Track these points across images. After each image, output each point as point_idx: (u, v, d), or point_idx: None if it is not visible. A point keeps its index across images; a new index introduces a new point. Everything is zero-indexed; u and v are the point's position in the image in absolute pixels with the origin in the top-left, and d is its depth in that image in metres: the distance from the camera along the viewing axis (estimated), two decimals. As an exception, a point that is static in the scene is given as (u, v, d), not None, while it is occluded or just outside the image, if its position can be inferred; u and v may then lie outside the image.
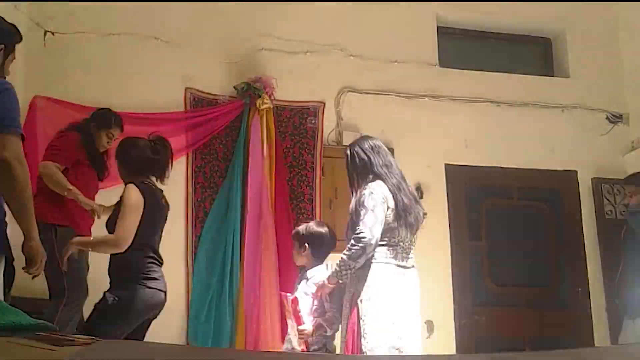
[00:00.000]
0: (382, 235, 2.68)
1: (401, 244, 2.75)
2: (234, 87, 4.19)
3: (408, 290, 2.73)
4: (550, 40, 5.19)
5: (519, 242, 4.57)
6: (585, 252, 4.57)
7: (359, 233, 2.63)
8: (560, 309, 4.52)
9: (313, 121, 4.34)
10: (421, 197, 4.31)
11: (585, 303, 4.49)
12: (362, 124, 4.41)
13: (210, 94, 4.22)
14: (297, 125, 4.31)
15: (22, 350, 0.87)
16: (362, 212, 2.68)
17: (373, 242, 2.63)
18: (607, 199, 4.65)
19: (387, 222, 2.71)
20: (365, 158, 2.89)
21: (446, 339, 4.15)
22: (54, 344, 0.98)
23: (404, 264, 2.75)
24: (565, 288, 4.55)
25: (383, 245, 2.71)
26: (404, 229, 2.75)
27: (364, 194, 2.74)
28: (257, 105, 4.07)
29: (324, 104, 4.38)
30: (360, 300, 2.67)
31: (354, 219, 2.75)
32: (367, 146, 2.93)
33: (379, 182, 2.81)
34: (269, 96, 4.13)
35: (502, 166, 4.55)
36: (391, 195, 2.76)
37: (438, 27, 4.79)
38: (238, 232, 3.92)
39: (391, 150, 4.38)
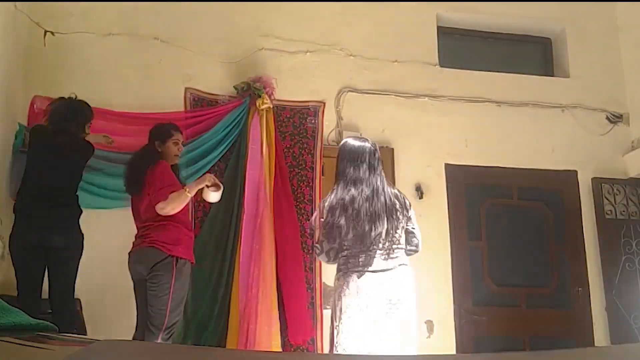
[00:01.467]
0: (343, 246, 2.74)
1: (368, 251, 2.72)
2: (234, 87, 4.19)
3: (390, 292, 2.69)
4: (550, 40, 5.19)
5: (519, 242, 4.57)
6: (585, 252, 4.57)
7: (314, 247, 2.86)
8: (560, 309, 4.52)
9: (313, 121, 4.34)
10: (421, 197, 4.32)
11: (585, 303, 4.49)
12: (362, 124, 4.41)
13: (210, 94, 4.22)
14: (297, 125, 4.31)
15: (22, 350, 0.87)
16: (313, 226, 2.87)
17: (324, 257, 2.81)
18: (607, 199, 4.65)
19: (344, 236, 2.73)
20: (338, 159, 2.95)
21: (446, 339, 4.15)
22: (54, 344, 0.98)
23: (382, 267, 2.72)
24: (565, 288, 4.55)
25: (346, 256, 2.75)
26: (354, 242, 2.73)
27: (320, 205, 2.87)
28: (257, 105, 4.07)
29: (324, 104, 4.38)
30: (334, 310, 2.75)
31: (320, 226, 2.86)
32: (342, 147, 2.98)
33: (333, 191, 2.85)
34: (269, 96, 4.12)
35: (502, 166, 4.55)
36: (339, 211, 2.74)
37: (438, 27, 4.79)
38: (234, 232, 3.91)
39: (391, 150, 4.41)
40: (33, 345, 0.92)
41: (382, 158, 4.31)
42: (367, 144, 2.96)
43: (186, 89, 4.17)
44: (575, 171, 4.72)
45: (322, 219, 2.78)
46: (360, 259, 2.73)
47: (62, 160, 3.36)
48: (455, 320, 4.25)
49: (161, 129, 3.49)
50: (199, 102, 4.19)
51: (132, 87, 4.07)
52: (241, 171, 4.01)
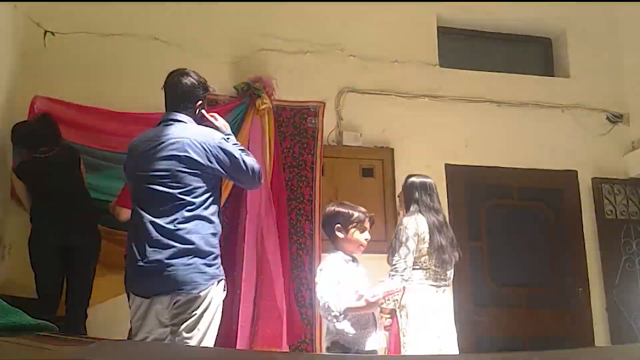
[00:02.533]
0: (416, 261, 3.12)
1: (435, 268, 3.16)
2: (234, 87, 4.19)
3: (442, 304, 3.15)
4: (550, 40, 5.19)
5: (519, 242, 4.57)
6: (585, 252, 4.57)
7: (395, 264, 3.09)
8: (560, 309, 4.52)
9: (313, 121, 4.33)
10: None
11: (585, 303, 4.49)
12: (362, 124, 4.41)
13: (210, 93, 4.21)
14: (297, 125, 4.31)
15: (22, 350, 0.87)
16: (397, 244, 3.13)
17: (407, 270, 3.07)
18: (607, 199, 4.65)
19: (421, 252, 3.13)
20: (415, 193, 3.28)
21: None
22: (54, 344, 0.98)
23: (436, 283, 3.15)
24: (565, 288, 4.55)
25: (417, 268, 3.13)
26: (435, 261, 3.15)
27: (400, 227, 3.19)
28: (257, 105, 4.06)
29: (324, 104, 4.38)
30: (400, 316, 3.05)
31: (393, 246, 3.20)
32: (418, 183, 3.32)
33: (418, 216, 3.20)
34: (269, 96, 4.12)
35: (502, 166, 4.55)
36: (428, 231, 3.15)
37: (438, 27, 4.79)
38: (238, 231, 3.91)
39: (391, 150, 4.41)
40: (33, 345, 0.92)
41: (382, 158, 4.40)
42: (431, 180, 3.38)
43: (186, 89, 4.16)
44: (575, 171, 4.72)
45: (414, 240, 3.12)
46: (429, 274, 3.15)
47: (56, 172, 3.41)
48: (455, 320, 4.24)
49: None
50: (199, 102, 4.17)
51: (132, 87, 4.06)
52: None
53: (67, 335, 1.14)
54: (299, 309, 4.01)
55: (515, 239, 4.58)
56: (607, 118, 4.87)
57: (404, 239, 3.12)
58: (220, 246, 2.59)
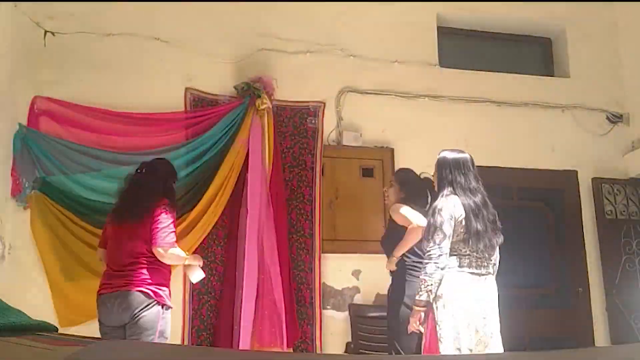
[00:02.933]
0: (453, 246, 2.87)
1: (474, 254, 2.89)
2: (234, 87, 4.19)
3: (483, 294, 2.86)
4: (550, 40, 5.19)
5: (519, 242, 4.56)
6: (585, 252, 4.57)
7: (429, 250, 2.85)
8: (560, 309, 4.52)
9: (313, 121, 4.33)
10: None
11: (585, 303, 4.49)
12: (362, 124, 4.41)
13: (211, 94, 4.22)
14: (297, 125, 4.31)
15: (22, 350, 0.87)
16: (432, 229, 2.88)
17: (443, 257, 2.83)
18: (607, 199, 4.65)
19: (458, 237, 2.88)
20: (448, 172, 3.03)
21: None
22: (54, 344, 0.98)
23: (478, 271, 2.89)
24: (565, 288, 4.55)
25: (455, 255, 2.88)
26: (473, 247, 2.88)
27: (435, 209, 2.92)
28: (257, 105, 4.06)
29: (324, 104, 4.38)
30: (437, 307, 2.82)
31: (428, 229, 2.93)
32: (451, 160, 3.06)
33: (453, 197, 2.94)
34: (269, 96, 4.12)
35: (502, 166, 4.55)
36: (464, 214, 2.89)
37: (438, 27, 4.79)
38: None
39: (391, 150, 4.41)
40: (33, 345, 0.92)
41: (382, 158, 4.38)
42: (467, 155, 3.10)
43: (186, 89, 4.17)
44: (575, 171, 4.72)
45: (451, 224, 2.87)
46: (470, 261, 2.89)
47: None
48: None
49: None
50: (199, 102, 4.19)
51: (132, 87, 4.07)
52: (241, 171, 3.99)
53: (66, 335, 1.14)
54: (299, 309, 4.01)
55: (515, 239, 4.56)
56: (607, 118, 4.88)
57: (438, 223, 2.86)
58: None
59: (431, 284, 2.81)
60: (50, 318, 3.48)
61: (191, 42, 4.23)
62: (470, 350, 2.73)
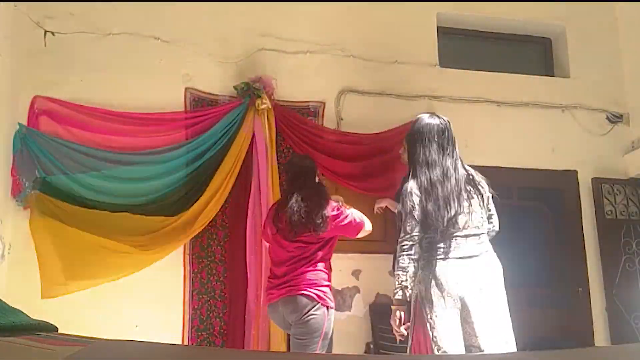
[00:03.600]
0: (428, 231, 2.56)
1: (457, 235, 2.57)
2: (234, 87, 4.19)
3: (477, 280, 2.54)
4: (550, 40, 5.19)
5: (519, 242, 4.57)
6: (585, 252, 4.57)
7: (401, 242, 2.58)
8: (560, 309, 4.51)
9: (313, 121, 4.33)
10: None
11: (585, 303, 4.49)
12: (362, 124, 4.41)
13: (210, 94, 4.22)
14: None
15: (22, 350, 0.87)
16: (402, 217, 2.61)
17: (414, 246, 2.56)
18: (607, 199, 4.65)
19: (427, 222, 2.57)
20: (409, 145, 2.75)
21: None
22: (54, 344, 0.98)
23: (469, 254, 2.58)
24: (565, 288, 4.55)
25: (434, 241, 2.57)
26: (432, 230, 2.58)
27: (404, 192, 2.63)
28: (257, 105, 4.05)
29: (324, 104, 4.38)
30: (424, 303, 2.56)
31: (399, 217, 2.67)
32: (414, 131, 2.72)
33: (410, 176, 2.66)
34: (269, 96, 4.12)
35: (502, 166, 4.54)
36: (419, 197, 2.59)
37: (438, 27, 4.79)
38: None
39: (391, 150, 4.39)
40: (33, 345, 0.92)
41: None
42: (435, 121, 2.76)
43: (186, 89, 4.17)
44: (575, 171, 4.72)
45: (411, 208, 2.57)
46: (441, 246, 2.57)
47: None
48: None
49: None
50: (199, 102, 4.18)
51: (132, 87, 4.07)
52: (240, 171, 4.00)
53: (66, 335, 1.14)
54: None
55: (515, 239, 4.57)
56: (607, 118, 4.87)
57: (408, 208, 2.56)
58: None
59: (405, 279, 2.53)
60: (51, 318, 3.47)
61: (191, 42, 4.23)
62: (475, 346, 2.49)
